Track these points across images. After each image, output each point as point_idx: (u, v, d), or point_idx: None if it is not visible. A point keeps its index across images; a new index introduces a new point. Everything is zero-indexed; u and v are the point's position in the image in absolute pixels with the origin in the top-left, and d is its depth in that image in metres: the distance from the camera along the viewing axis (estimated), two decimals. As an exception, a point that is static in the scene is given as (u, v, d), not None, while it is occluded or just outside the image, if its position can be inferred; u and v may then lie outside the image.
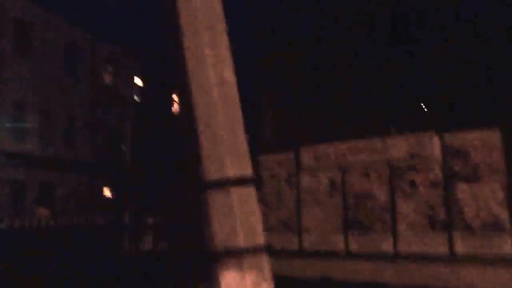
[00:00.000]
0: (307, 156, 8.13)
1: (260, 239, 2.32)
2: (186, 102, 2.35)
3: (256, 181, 2.29)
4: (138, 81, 24.82)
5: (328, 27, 9.51)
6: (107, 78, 24.14)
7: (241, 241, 2.22)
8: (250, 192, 2.29)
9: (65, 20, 21.14)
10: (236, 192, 2.23)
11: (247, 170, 2.31)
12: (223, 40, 2.41)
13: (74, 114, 21.53)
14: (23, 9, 19.01)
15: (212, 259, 2.26)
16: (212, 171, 2.26)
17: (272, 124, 9.42)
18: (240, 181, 2.25)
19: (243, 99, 2.51)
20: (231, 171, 2.25)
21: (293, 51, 9.65)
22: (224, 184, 2.23)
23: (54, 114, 20.43)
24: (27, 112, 19.18)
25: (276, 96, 9.79)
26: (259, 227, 2.33)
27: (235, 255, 2.21)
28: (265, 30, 10.26)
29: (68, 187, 19.40)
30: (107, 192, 21.16)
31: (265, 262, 2.33)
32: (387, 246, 7.05)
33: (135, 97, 24.51)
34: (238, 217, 2.24)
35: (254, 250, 2.26)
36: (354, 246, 7.58)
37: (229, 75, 2.41)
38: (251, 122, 2.65)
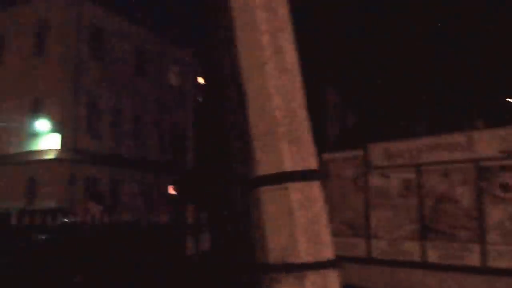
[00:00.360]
0: (377, 154, 7.37)
1: (327, 251, 1.80)
2: (234, 78, 1.90)
3: (323, 176, 1.72)
4: (201, 81, 25.19)
5: (403, 17, 8.64)
6: (173, 79, 24.78)
7: (303, 254, 1.72)
8: (314, 190, 1.77)
9: (135, 25, 22.01)
10: (296, 190, 1.73)
11: (311, 162, 1.80)
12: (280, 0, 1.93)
13: (142, 114, 22.31)
14: (97, 16, 20.07)
15: (265, 273, 1.79)
16: (265, 164, 1.78)
17: (338, 120, 8.75)
18: (302, 176, 1.74)
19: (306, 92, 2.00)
20: (290, 163, 1.75)
21: (362, 41, 8.91)
22: (281, 179, 1.74)
23: (124, 114, 21.31)
24: (101, 112, 20.19)
25: (342, 90, 9.10)
26: (325, 235, 1.82)
27: (295, 271, 1.72)
28: (333, 20, 9.60)
29: (135, 185, 20.11)
30: (172, 190, 21.67)
31: (333, 280, 1.80)
32: (473, 257, 6.09)
33: (199, 97, 24.92)
34: (299, 222, 1.74)
35: (319, 266, 1.75)
36: (432, 256, 6.69)
37: (288, 44, 1.91)
38: (315, 117, 2.09)
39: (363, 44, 8.77)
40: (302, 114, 1.83)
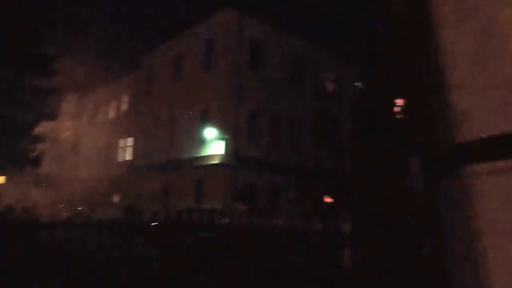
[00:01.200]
0: None
1: None
2: None
3: None
4: (359, 87, 23.99)
5: None
6: (329, 85, 24.28)
7: None
8: None
9: (290, 33, 22.40)
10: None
11: None
12: None
13: (298, 121, 22.39)
14: (256, 29, 21.11)
15: None
16: (478, 117, 0.91)
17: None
18: None
19: None
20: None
21: None
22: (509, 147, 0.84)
23: (281, 121, 21.73)
24: (259, 120, 21.01)
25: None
26: None
27: None
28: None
29: (290, 191, 20.16)
30: (327, 198, 21.01)
31: None
32: None
33: (356, 103, 23.76)
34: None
35: None
36: None
37: None
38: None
39: None
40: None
